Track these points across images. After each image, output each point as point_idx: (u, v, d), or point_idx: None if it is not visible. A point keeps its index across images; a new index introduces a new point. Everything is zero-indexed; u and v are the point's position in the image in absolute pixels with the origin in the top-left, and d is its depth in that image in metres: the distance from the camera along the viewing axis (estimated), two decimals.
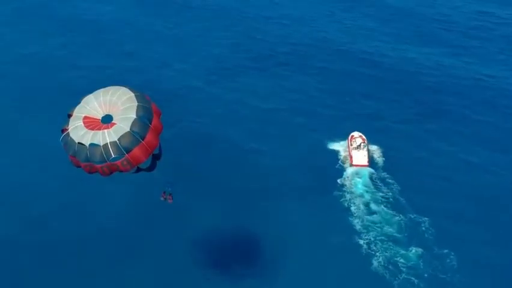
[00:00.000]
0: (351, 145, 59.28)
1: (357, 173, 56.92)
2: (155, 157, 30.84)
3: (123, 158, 28.79)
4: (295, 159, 58.47)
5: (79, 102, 31.30)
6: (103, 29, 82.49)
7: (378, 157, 59.21)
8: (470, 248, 48.70)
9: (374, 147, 60.26)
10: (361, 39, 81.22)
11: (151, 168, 30.98)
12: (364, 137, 60.23)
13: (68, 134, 30.01)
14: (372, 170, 57.14)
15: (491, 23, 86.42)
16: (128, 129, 28.93)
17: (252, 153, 58.98)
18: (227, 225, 50.58)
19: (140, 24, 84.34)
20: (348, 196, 54.22)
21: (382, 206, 52.91)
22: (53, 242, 48.51)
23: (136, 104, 29.84)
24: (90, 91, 31.09)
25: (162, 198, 36.86)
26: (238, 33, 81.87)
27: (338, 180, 56.39)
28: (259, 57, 75.46)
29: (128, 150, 28.75)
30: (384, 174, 56.76)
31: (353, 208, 52.96)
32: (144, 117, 29.55)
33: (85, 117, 30.29)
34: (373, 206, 52.94)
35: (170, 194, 36.74)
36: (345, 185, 55.58)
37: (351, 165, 57.90)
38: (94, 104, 30.74)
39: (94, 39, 79.65)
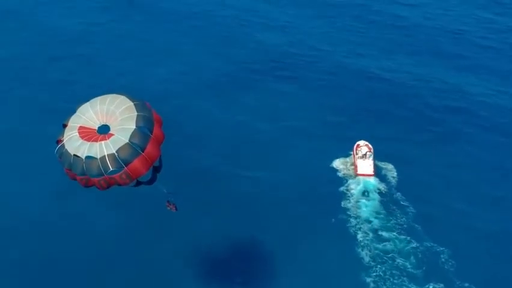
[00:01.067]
0: (357, 154, 56.92)
1: (364, 192, 52.87)
2: (156, 169, 29.01)
3: (122, 171, 27.00)
4: (297, 174, 54.92)
5: (74, 111, 29.59)
6: (78, 41, 78.06)
7: (387, 171, 55.67)
8: (497, 285, 44.05)
9: (382, 163, 56.54)
10: (370, 55, 76.75)
11: (151, 181, 29.18)
12: (370, 146, 57.67)
13: (63, 146, 28.24)
14: (378, 181, 54.10)
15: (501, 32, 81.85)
16: (127, 141, 27.13)
17: (250, 164, 56.41)
18: (227, 242, 48.36)
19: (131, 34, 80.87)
20: (353, 221, 49.61)
21: (394, 233, 47.85)
22: (55, 252, 46.85)
23: (136, 114, 28.06)
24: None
25: (168, 208, 35.66)
26: (229, 43, 78.35)
27: (342, 197, 52.37)
28: (256, 67, 71.86)
29: (127, 163, 26.95)
30: (395, 194, 52.57)
31: (359, 235, 48.00)
32: (144, 128, 27.77)
33: (80, 127, 28.51)
34: (383, 233, 48.06)
35: (173, 204, 35.46)
36: (350, 202, 51.80)
37: (356, 174, 55.41)
38: (90, 114, 28.95)
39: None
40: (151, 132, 27.99)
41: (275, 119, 62.36)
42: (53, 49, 74.78)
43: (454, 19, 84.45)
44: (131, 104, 28.48)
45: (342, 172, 55.75)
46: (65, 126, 29.24)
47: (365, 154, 56.42)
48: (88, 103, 29.56)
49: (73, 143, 27.82)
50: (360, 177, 55.21)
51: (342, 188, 53.88)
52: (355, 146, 57.74)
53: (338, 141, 58.90)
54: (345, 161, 56.98)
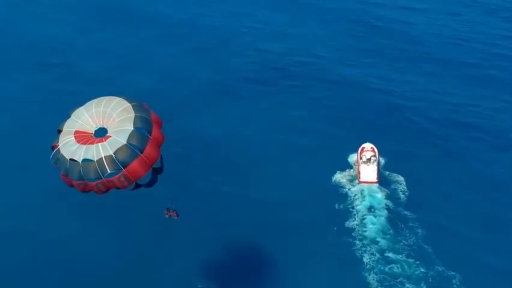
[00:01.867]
0: (361, 159, 53.75)
1: (369, 208, 49.92)
2: (156, 171, 28.12)
3: (120, 174, 26.08)
4: (297, 187, 52.71)
5: (69, 116, 28.78)
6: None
7: (394, 182, 52.94)
8: None
9: (388, 172, 53.91)
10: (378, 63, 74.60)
11: (151, 183, 28.24)
12: (376, 149, 54.69)
13: (58, 151, 27.34)
14: (383, 193, 51.40)
15: None
16: (125, 142, 26.27)
17: (251, 169, 55.08)
18: (227, 259, 46.74)
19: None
20: (359, 243, 47.03)
21: (403, 256, 45.19)
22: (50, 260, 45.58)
23: (134, 114, 27.28)
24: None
25: (167, 216, 34.40)
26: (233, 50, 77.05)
27: (347, 214, 49.83)
28: (252, 76, 70.07)
29: (125, 165, 26.06)
30: (402, 209, 49.60)
31: (365, 258, 45.46)
32: (143, 129, 26.99)
33: (76, 132, 27.66)
34: (390, 254, 45.40)
35: (174, 210, 34.34)
36: (355, 220, 49.15)
37: (359, 182, 52.62)
38: (86, 117, 28.13)
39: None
40: (150, 133, 27.20)
41: (275, 129, 60.54)
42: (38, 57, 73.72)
43: (462, 26, 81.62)
44: (129, 105, 27.73)
45: (346, 186, 52.99)
46: (59, 131, 28.40)
47: (369, 159, 53.50)
48: (82, 107, 28.78)
49: (69, 148, 26.94)
50: (364, 185, 52.22)
51: (345, 203, 51.19)
52: (359, 150, 54.71)
53: (339, 152, 56.70)
54: (348, 173, 54.41)
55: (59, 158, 27.23)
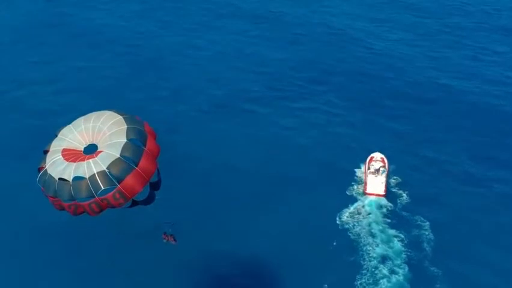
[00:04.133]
0: (369, 169, 50.49)
1: (373, 223, 46.76)
2: (153, 186, 25.89)
3: (115, 190, 23.83)
4: (300, 197, 50.12)
5: (56, 135, 26.67)
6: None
7: (401, 192, 49.81)
8: None
9: (403, 189, 50.28)
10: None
11: (148, 200, 25.90)
12: (386, 160, 51.34)
13: (45, 172, 25.07)
14: (389, 203, 48.60)
15: None
16: (119, 155, 24.13)
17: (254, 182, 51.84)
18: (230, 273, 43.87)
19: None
20: (360, 260, 44.04)
21: (406, 272, 42.40)
22: None
23: (126, 126, 25.27)
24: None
25: (165, 241, 32.15)
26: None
27: (353, 244, 45.85)
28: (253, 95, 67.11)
29: (120, 180, 23.84)
30: (410, 227, 46.25)
31: (366, 275, 42.66)
32: (136, 140, 24.93)
33: (64, 150, 25.49)
34: (394, 271, 42.60)
35: (172, 235, 32.12)
36: (357, 233, 46.28)
37: (365, 193, 49.56)
38: (74, 134, 26.08)
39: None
40: (144, 145, 25.13)
41: (281, 145, 57.45)
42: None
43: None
44: (120, 117, 25.76)
45: (350, 197, 50.03)
46: (46, 152, 26.23)
47: (378, 169, 50.35)
48: (70, 125, 26.80)
49: (57, 167, 24.71)
50: (370, 197, 49.10)
51: (348, 216, 48.18)
52: (368, 159, 51.68)
53: (346, 161, 53.89)
54: (354, 183, 51.39)
55: (46, 180, 24.97)
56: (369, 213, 47.89)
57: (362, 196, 49.77)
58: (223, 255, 44.85)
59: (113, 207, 24.42)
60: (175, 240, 32.79)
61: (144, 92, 66.49)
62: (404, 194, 49.94)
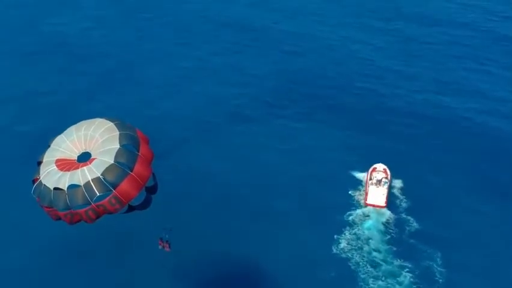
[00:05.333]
0: (370, 179, 49.28)
1: (372, 235, 45.03)
2: (149, 191, 26.01)
3: (110, 196, 23.95)
4: (296, 203, 48.90)
5: (49, 146, 26.82)
6: None
7: (406, 210, 48.04)
8: None
9: (405, 202, 48.75)
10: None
11: (145, 205, 26.03)
12: (388, 171, 50.15)
13: (40, 183, 25.18)
14: (389, 215, 47.15)
15: None
16: (113, 161, 24.31)
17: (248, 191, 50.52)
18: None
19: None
20: (355, 272, 42.54)
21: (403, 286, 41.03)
22: None
23: (118, 132, 25.47)
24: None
25: (160, 247, 32.22)
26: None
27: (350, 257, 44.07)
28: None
29: (115, 186, 23.97)
30: (409, 240, 44.60)
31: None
32: (129, 146, 25.10)
33: (58, 160, 25.64)
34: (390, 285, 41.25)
35: (167, 242, 32.18)
36: (354, 245, 44.96)
37: (365, 204, 47.86)
38: (67, 144, 26.25)
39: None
40: (138, 150, 25.30)
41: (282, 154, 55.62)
42: None
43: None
44: (111, 124, 25.95)
45: (349, 208, 48.45)
46: (40, 163, 26.34)
47: (380, 181, 48.94)
48: (62, 134, 26.98)
49: (52, 177, 24.83)
50: (370, 208, 47.82)
51: (346, 227, 46.63)
52: (370, 170, 50.60)
53: (348, 171, 52.28)
54: (354, 194, 50.10)
55: (41, 191, 25.06)
56: (367, 224, 46.52)
57: (361, 207, 48.41)
58: (217, 265, 44.26)
59: (109, 213, 24.51)
60: (169, 247, 32.84)
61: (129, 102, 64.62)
62: (405, 207, 48.44)
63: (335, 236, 45.64)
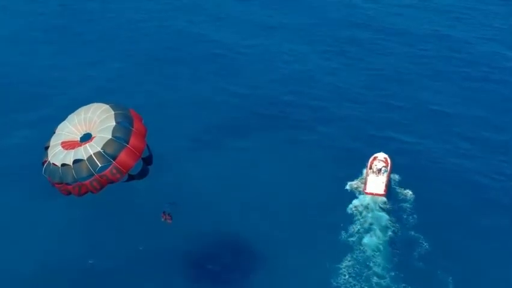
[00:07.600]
0: (371, 168, 49.35)
1: (370, 224, 44.89)
2: (146, 161, 29.41)
3: (111, 166, 27.39)
4: (295, 191, 48.97)
5: (54, 132, 30.21)
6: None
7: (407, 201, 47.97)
8: None
9: (405, 192, 48.34)
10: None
11: (142, 174, 29.48)
12: (389, 160, 50.05)
13: (49, 163, 28.58)
14: (388, 204, 47.05)
15: None
16: (111, 136, 27.75)
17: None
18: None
19: None
20: (351, 261, 42.36)
21: (398, 278, 40.78)
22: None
23: (113, 112, 28.88)
24: None
25: (163, 219, 35.36)
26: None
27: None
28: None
29: (114, 157, 27.37)
30: (408, 230, 44.65)
31: (355, 278, 41.15)
32: (124, 122, 28.56)
33: (63, 142, 29.08)
34: (386, 275, 40.97)
35: (169, 214, 35.29)
36: (351, 234, 44.77)
37: (364, 193, 47.88)
38: (69, 128, 29.64)
39: None
40: (132, 126, 28.70)
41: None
42: None
43: None
44: (107, 106, 29.35)
45: (348, 196, 48.42)
46: (47, 148, 29.73)
47: (380, 169, 48.95)
48: (65, 121, 30.36)
49: (58, 156, 28.18)
50: (369, 196, 47.56)
51: (343, 216, 46.36)
52: (371, 159, 50.41)
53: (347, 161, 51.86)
54: (353, 183, 49.84)
55: (51, 169, 28.39)
56: (366, 213, 46.36)
57: (360, 195, 48.34)
58: (218, 239, 45.77)
59: (112, 182, 27.87)
60: (171, 219, 35.85)
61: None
62: (404, 197, 48.37)
63: (341, 224, 45.51)
